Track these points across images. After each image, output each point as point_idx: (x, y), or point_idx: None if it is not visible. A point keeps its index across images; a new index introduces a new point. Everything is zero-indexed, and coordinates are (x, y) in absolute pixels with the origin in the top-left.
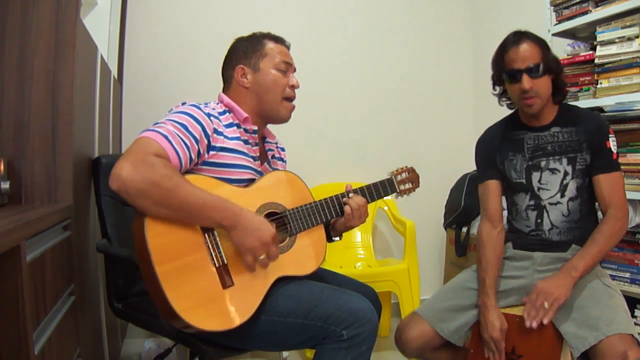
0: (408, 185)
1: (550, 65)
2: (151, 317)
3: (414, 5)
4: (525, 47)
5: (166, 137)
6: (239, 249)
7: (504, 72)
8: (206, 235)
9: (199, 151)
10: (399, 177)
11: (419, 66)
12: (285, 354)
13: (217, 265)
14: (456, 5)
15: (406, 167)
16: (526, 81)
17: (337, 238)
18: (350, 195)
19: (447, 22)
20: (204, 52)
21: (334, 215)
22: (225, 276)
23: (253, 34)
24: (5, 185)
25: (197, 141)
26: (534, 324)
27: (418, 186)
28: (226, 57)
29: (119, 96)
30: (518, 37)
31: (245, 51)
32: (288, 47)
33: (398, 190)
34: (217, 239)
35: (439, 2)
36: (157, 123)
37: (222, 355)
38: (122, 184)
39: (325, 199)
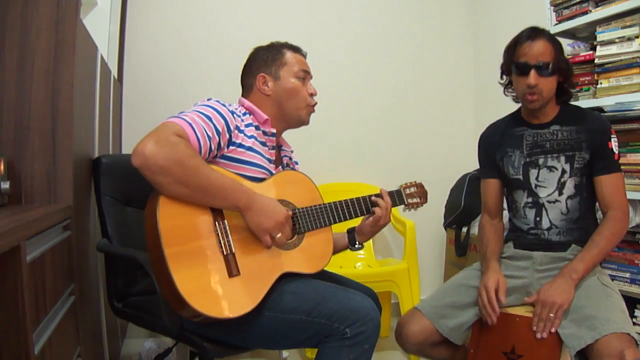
0: (416, 200)
1: (560, 66)
2: (151, 316)
3: (413, 6)
4: (540, 44)
5: (190, 124)
6: (255, 231)
7: (514, 64)
8: (216, 222)
9: (219, 143)
10: (407, 191)
11: (419, 67)
12: (285, 353)
13: (225, 253)
14: (456, 6)
15: (415, 182)
16: (533, 77)
17: (360, 246)
18: (373, 198)
19: (447, 22)
20: (204, 52)
21: (342, 219)
22: (232, 265)
23: (272, 43)
24: (5, 185)
25: (218, 133)
26: (545, 335)
27: (426, 202)
28: (246, 66)
29: (119, 96)
30: (535, 32)
31: (265, 60)
32: (305, 56)
33: (406, 203)
34: (227, 227)
35: (439, 3)
36: (182, 112)
37: (223, 354)
38: (144, 160)
39: (336, 202)
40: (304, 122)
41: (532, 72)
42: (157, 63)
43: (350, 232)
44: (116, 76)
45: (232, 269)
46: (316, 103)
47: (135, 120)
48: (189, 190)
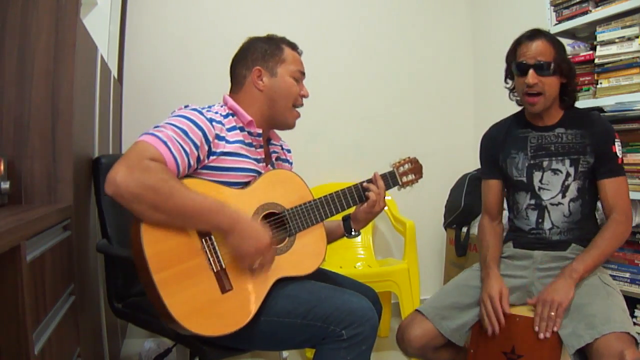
0: (411, 177)
1: (560, 66)
2: (151, 317)
3: (414, 6)
4: (538, 43)
5: (165, 143)
6: (235, 256)
7: (514, 64)
8: (203, 240)
9: (198, 157)
10: (401, 169)
11: (419, 66)
12: (285, 353)
13: (215, 270)
14: (456, 6)
15: (408, 157)
16: (531, 76)
17: (356, 233)
18: (364, 184)
19: (447, 22)
20: (204, 52)
21: (334, 212)
22: (224, 280)
23: (269, 36)
24: (5, 185)
25: (197, 147)
26: (548, 334)
27: (421, 177)
28: (239, 55)
29: (119, 96)
30: (534, 33)
31: (263, 53)
32: (300, 55)
33: (400, 183)
34: (215, 244)
35: (439, 3)
36: (157, 126)
37: (222, 356)
38: (116, 188)
39: (326, 195)
40: (290, 125)
41: (531, 71)
42: (157, 63)
43: (346, 219)
44: (116, 76)
45: (225, 285)
46: (302, 105)
47: (135, 120)
48: (165, 216)
